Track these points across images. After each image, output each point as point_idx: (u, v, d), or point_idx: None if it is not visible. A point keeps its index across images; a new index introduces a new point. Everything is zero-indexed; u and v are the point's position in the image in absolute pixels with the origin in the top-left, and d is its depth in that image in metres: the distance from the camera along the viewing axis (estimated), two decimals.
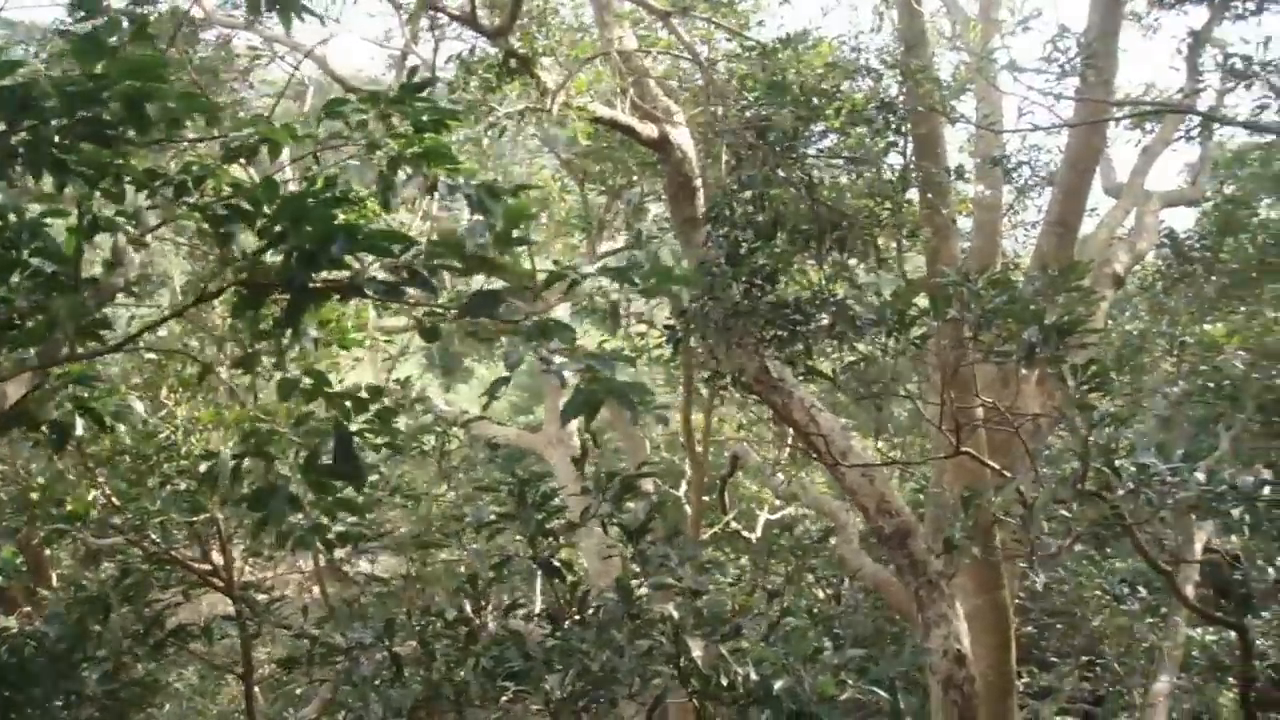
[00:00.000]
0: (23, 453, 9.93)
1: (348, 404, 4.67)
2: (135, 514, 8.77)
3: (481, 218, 4.03)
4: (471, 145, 14.84)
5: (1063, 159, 13.29)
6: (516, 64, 9.21)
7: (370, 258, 4.22)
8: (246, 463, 5.37)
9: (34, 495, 8.69)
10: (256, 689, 14.46)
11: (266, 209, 4.02)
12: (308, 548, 5.69)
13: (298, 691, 14.32)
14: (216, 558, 9.38)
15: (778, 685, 6.53)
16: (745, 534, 16.71)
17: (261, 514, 5.00)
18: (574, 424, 15.96)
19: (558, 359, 3.77)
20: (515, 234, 4.02)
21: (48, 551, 16.73)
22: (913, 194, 10.96)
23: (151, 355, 8.79)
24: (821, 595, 16.81)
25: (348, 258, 4.08)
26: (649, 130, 9.78)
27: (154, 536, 8.88)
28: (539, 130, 15.29)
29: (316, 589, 13.36)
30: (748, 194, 8.94)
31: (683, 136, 9.99)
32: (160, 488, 8.75)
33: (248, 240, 4.19)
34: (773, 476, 16.60)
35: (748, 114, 9.31)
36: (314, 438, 4.76)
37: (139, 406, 7.23)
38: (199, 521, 8.77)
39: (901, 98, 10.38)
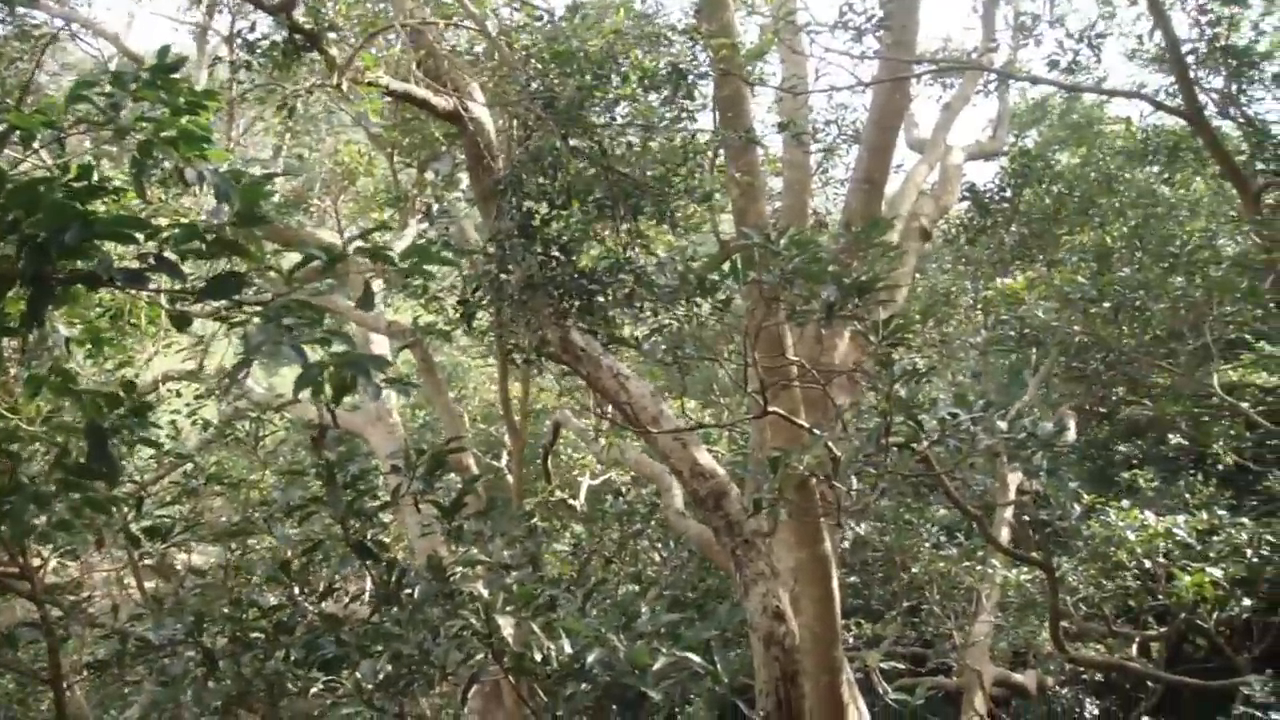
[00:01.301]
0: None
1: (99, 401, 4.49)
2: None
3: (227, 203, 3.90)
4: (279, 123, 14.54)
5: (867, 117, 13.49)
6: (303, 40, 8.97)
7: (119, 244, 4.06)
8: None
9: None
10: (79, 693, 14.05)
11: None
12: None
13: (125, 690, 13.95)
14: (22, 560, 9.04)
15: (590, 658, 6.52)
16: (571, 502, 16.73)
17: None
18: (394, 402, 15.80)
19: (296, 335, 3.65)
20: (254, 214, 3.90)
21: None
22: (723, 159, 11.02)
23: None
24: (656, 559, 16.96)
25: (92, 246, 3.92)
26: (444, 103, 9.64)
27: None
28: (343, 105, 15.02)
29: (132, 584, 12.99)
30: (538, 164, 8.88)
31: (479, 110, 9.87)
32: None
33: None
34: (594, 443, 16.64)
35: (533, 84, 9.22)
36: (64, 435, 4.58)
37: None
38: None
39: (704, 63, 10.40)
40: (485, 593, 6.72)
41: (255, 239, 3.90)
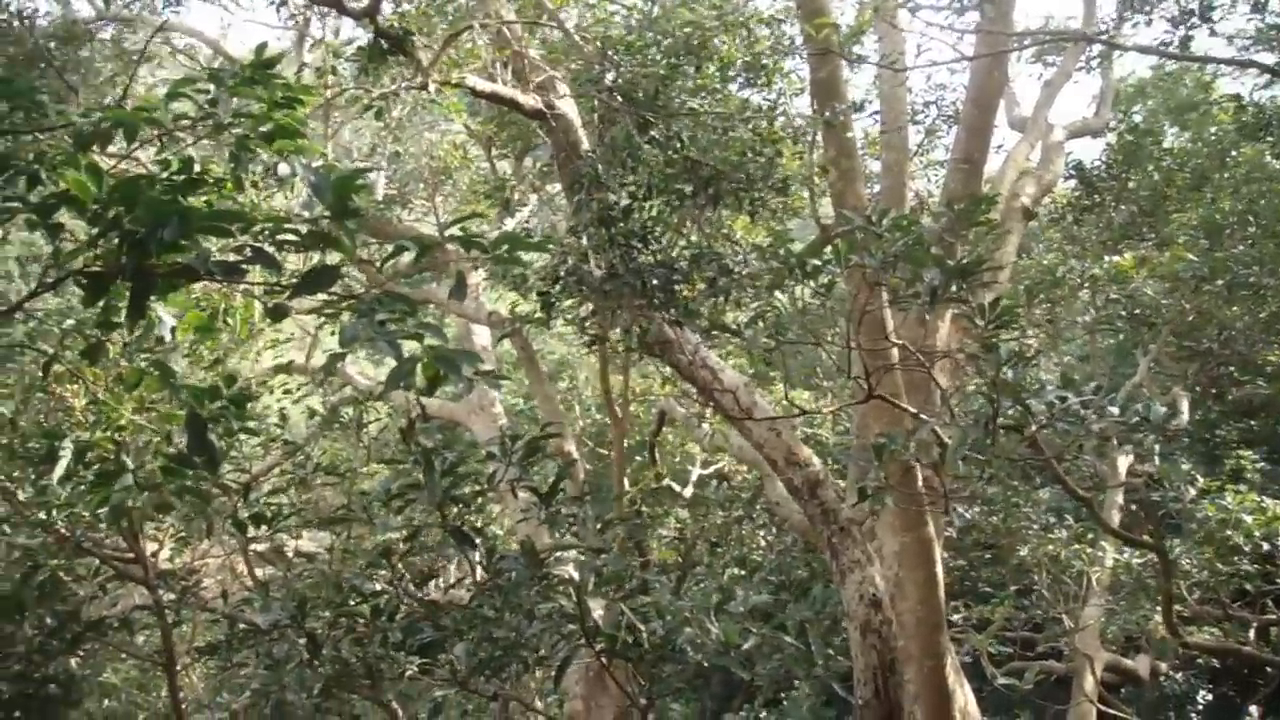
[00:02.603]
0: None
1: (199, 393, 4.62)
2: (42, 509, 8.69)
3: (321, 197, 4.00)
4: (374, 120, 14.77)
5: (966, 96, 13.33)
6: (388, 44, 9.10)
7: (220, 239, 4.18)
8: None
9: None
10: (196, 677, 14.42)
11: (96, 195, 3.95)
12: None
13: (241, 673, 14.28)
14: (137, 547, 9.32)
15: (681, 638, 6.58)
16: (677, 489, 16.79)
17: (103, 495, 4.98)
18: (495, 392, 15.95)
19: (389, 329, 3.73)
20: (347, 207, 3.98)
21: None
22: (816, 140, 10.97)
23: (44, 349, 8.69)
24: (761, 544, 16.93)
25: (192, 239, 4.04)
26: (530, 101, 9.71)
27: (63, 530, 8.80)
28: (441, 101, 15.18)
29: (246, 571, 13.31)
30: (617, 156, 8.91)
31: (566, 105, 9.94)
32: (64, 481, 8.66)
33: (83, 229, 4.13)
34: (699, 429, 16.67)
35: (611, 76, 9.26)
36: (166, 424, 4.74)
37: (6, 407, 7.17)
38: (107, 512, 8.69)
39: (794, 44, 10.37)
40: (576, 576, 6.80)
41: (349, 232, 3.99)
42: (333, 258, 4.22)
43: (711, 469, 18.17)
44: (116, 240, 3.95)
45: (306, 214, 3.97)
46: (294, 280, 4.07)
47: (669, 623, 6.68)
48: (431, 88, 8.76)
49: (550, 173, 14.83)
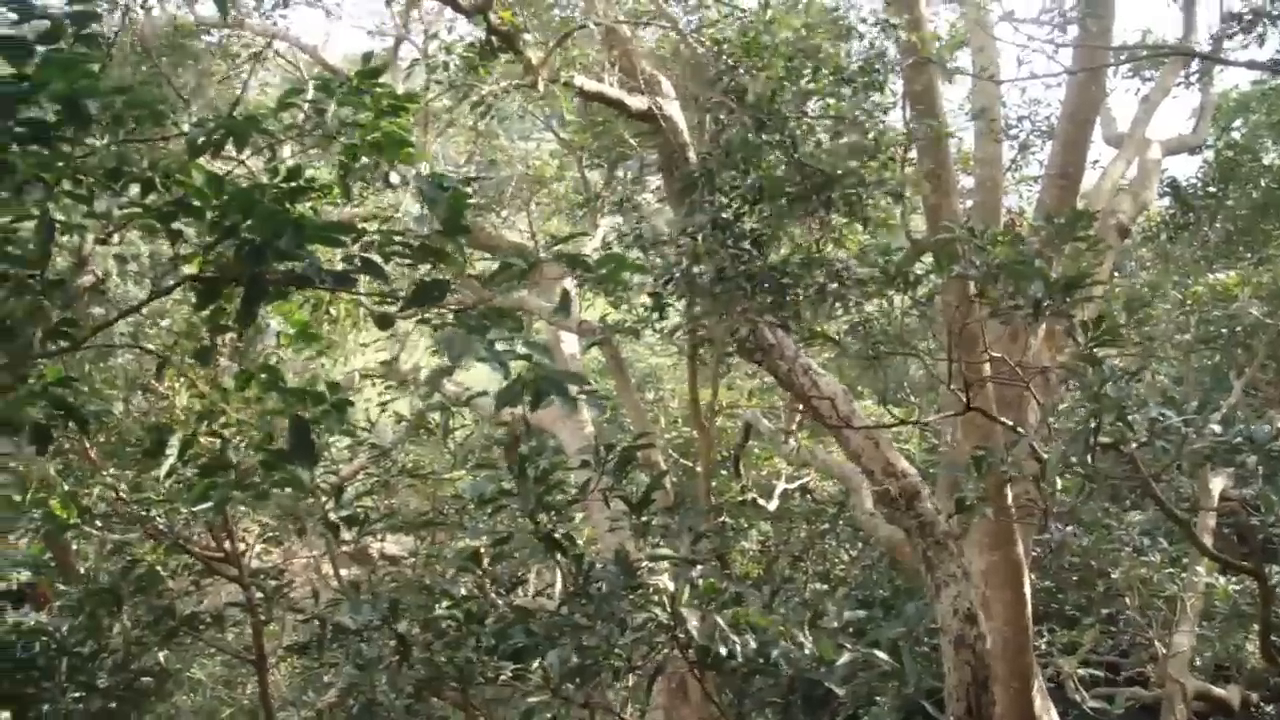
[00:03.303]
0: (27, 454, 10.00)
1: (303, 395, 4.70)
2: (141, 504, 8.84)
3: (427, 207, 4.04)
4: (469, 128, 14.88)
5: (1062, 111, 13.19)
6: (499, 42, 9.17)
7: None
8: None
9: (17, 496, 8.76)
10: (281, 675, 14.60)
11: (215, 203, 4.02)
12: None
13: (325, 677, 14.43)
14: (229, 545, 9.45)
15: (775, 652, 6.54)
16: (761, 502, 16.71)
17: (207, 486, 5.09)
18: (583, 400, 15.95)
19: (498, 348, 3.76)
20: (458, 223, 4.02)
21: (75, 547, 16.90)
22: (914, 154, 10.90)
23: (139, 349, 8.85)
24: (844, 559, 16.84)
25: (303, 248, 4.10)
26: (637, 103, 9.74)
27: (161, 526, 8.94)
28: (538, 108, 15.29)
29: (331, 572, 13.45)
30: (730, 159, 8.91)
31: (672, 107, 9.96)
32: (165, 478, 8.81)
33: (202, 235, 4.21)
34: (785, 443, 16.60)
35: (724, 79, 9.25)
36: (269, 422, 4.83)
37: (121, 405, 7.32)
38: (208, 510, 8.82)
39: (894, 53, 10.32)
40: (671, 586, 6.79)
41: (459, 246, 4.03)
42: (442, 271, 4.27)
43: (795, 484, 18.08)
44: (233, 247, 4.02)
45: (418, 226, 4.01)
46: (402, 291, 4.12)
47: (761, 636, 6.66)
48: (540, 86, 8.82)
49: (640, 182, 14.87)
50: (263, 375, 4.62)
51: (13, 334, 4.69)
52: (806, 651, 6.65)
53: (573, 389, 3.73)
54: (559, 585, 10.14)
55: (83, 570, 16.91)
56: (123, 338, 7.61)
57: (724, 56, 9.37)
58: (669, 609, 6.68)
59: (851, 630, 7.00)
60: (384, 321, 4.23)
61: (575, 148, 15.55)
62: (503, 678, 7.35)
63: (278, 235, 3.90)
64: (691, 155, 10.04)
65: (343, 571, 13.43)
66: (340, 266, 4.21)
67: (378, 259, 4.16)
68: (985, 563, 11.19)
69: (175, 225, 4.08)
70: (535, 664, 7.10)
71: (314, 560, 14.18)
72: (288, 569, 11.63)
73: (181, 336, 6.27)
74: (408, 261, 4.23)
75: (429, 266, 4.29)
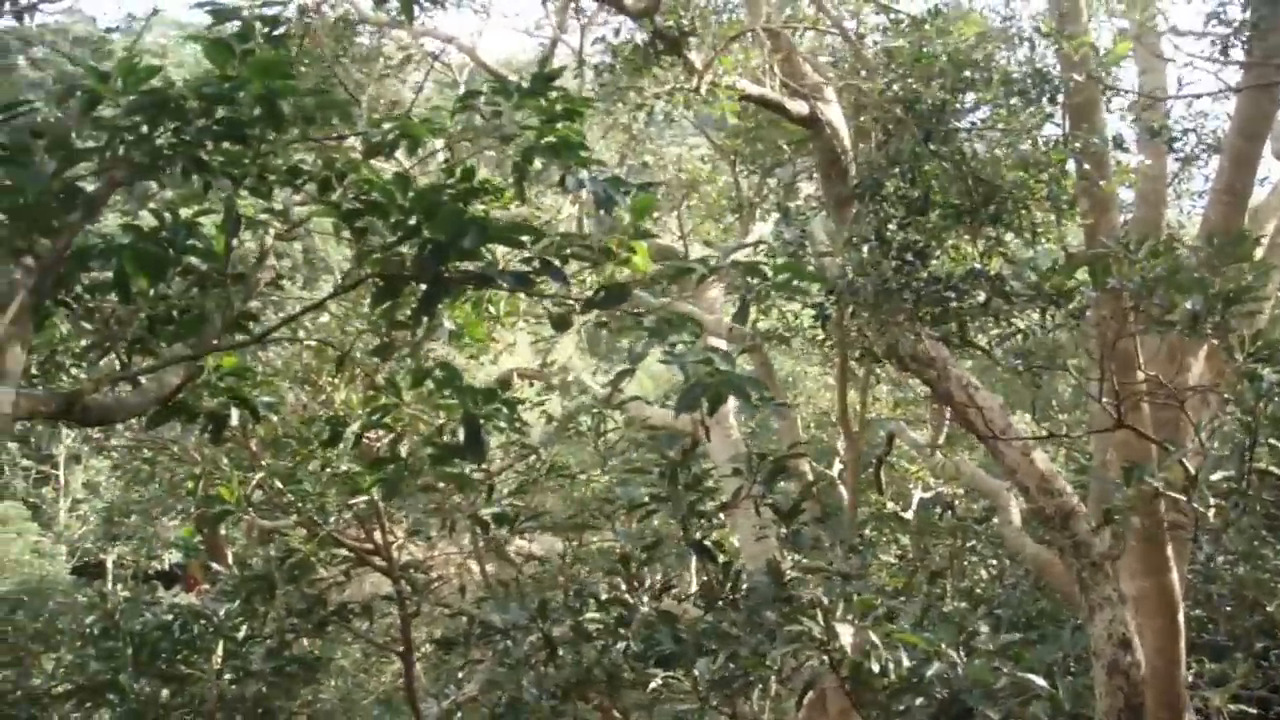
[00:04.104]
0: (190, 440, 10.31)
1: (476, 394, 4.75)
2: (297, 496, 9.02)
3: (608, 211, 4.05)
4: (622, 132, 14.91)
5: (1230, 125, 12.78)
6: (663, 45, 9.18)
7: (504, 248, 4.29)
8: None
9: (189, 482, 8.98)
10: (418, 667, 14.79)
11: (400, 203, 4.08)
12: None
13: (459, 673, 14.60)
14: (379, 538, 9.59)
15: (930, 671, 6.44)
16: (902, 514, 16.50)
17: (380, 476, 5.18)
18: (730, 407, 15.94)
19: (679, 352, 3.76)
20: (641, 228, 4.03)
21: (224, 532, 17.35)
22: (1071, 165, 10.65)
23: (311, 344, 9.04)
24: (984, 575, 16.54)
25: (482, 248, 4.14)
26: (798, 108, 9.68)
27: (315, 517, 9.11)
28: (692, 112, 15.27)
29: (476, 568, 13.57)
30: (896, 169, 8.80)
31: (833, 113, 9.87)
32: (321, 470, 8.98)
33: (385, 234, 4.28)
34: (930, 455, 16.35)
35: (895, 88, 9.14)
36: (440, 418, 4.91)
37: (290, 396, 7.48)
38: (360, 503, 8.97)
39: (1056, 66, 10.10)
40: (825, 599, 6.72)
41: (642, 251, 4.03)
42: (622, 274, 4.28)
43: (931, 494, 17.81)
44: (416, 246, 4.08)
45: (598, 229, 4.03)
46: (582, 293, 4.14)
47: (914, 654, 6.56)
48: (703, 90, 8.81)
49: (792, 189, 14.78)
50: (439, 372, 4.67)
51: (201, 324, 4.81)
52: (960, 672, 6.53)
53: (755, 396, 3.71)
54: (692, 589, 10.12)
55: (230, 556, 17.36)
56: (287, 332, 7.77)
57: (892, 64, 9.26)
58: (822, 622, 6.61)
59: (1005, 652, 6.85)
60: (561, 323, 4.26)
61: (728, 152, 15.51)
62: (652, 684, 7.32)
63: (460, 235, 3.94)
64: (850, 162, 9.95)
65: (486, 569, 13.55)
66: (516, 267, 4.25)
67: (554, 261, 4.19)
68: (1137, 588, 10.87)
69: (360, 224, 4.15)
70: (683, 671, 7.09)
71: (448, 556, 14.31)
72: (434, 564, 11.78)
73: (360, 333, 6.40)
74: (589, 266, 4.24)
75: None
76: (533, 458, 12.32)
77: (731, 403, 16.18)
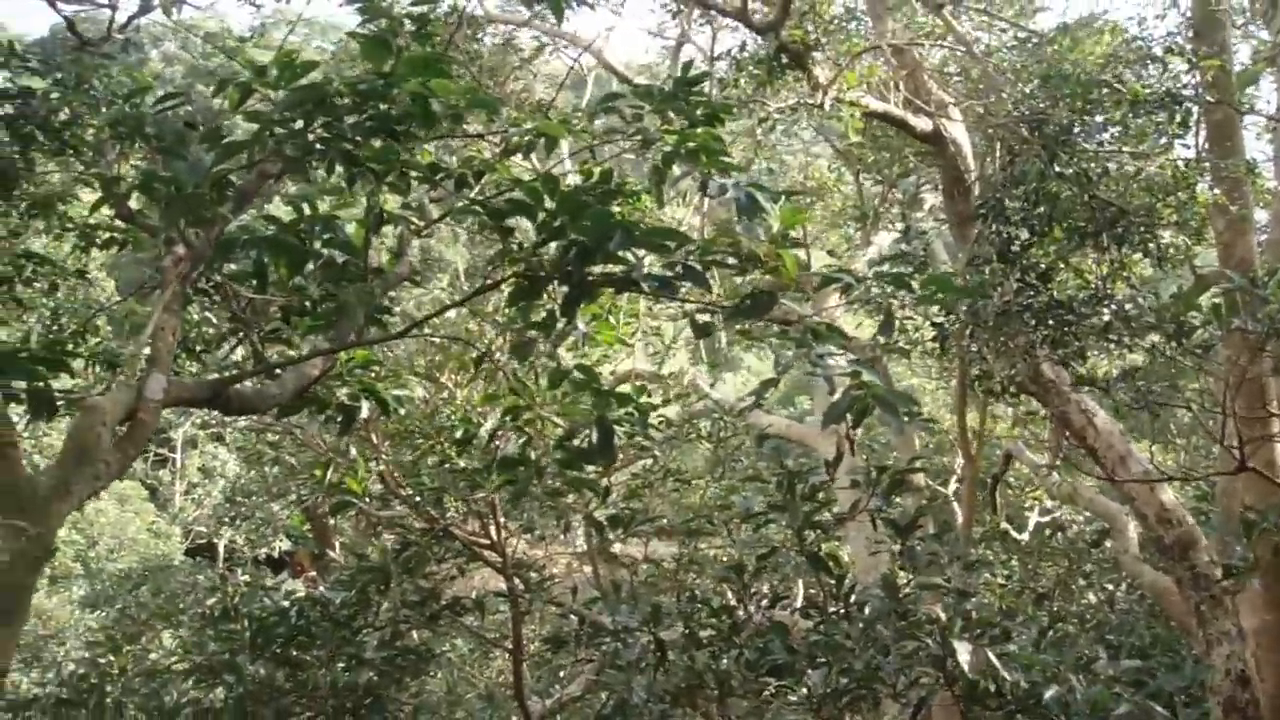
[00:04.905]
0: (313, 428, 10.49)
1: (611, 397, 4.78)
2: (415, 489, 9.13)
3: (750, 219, 4.05)
4: (745, 137, 14.90)
5: None
6: (788, 59, 9.17)
7: (644, 252, 4.30)
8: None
9: (317, 471, 9.12)
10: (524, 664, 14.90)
11: (547, 203, 4.12)
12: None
13: (561, 671, 14.67)
14: (492, 534, 9.67)
15: (1048, 694, 6.35)
16: (1015, 535, 16.27)
17: (509, 477, 5.24)
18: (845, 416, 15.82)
19: (827, 363, 3.75)
20: (789, 235, 4.02)
21: (331, 521, 17.63)
22: (1203, 187, 10.44)
23: (434, 340, 9.16)
24: (1092, 600, 16.24)
25: (622, 252, 4.17)
26: (923, 124, 9.62)
27: (432, 511, 9.21)
28: (814, 121, 15.22)
29: (587, 569, 13.63)
30: (1021, 189, 8.69)
31: (958, 130, 9.79)
32: (440, 465, 9.08)
33: (527, 233, 4.33)
34: (1047, 477, 16.09)
35: (1023, 106, 9.03)
36: (572, 420, 4.94)
37: (419, 391, 7.59)
38: (476, 499, 9.06)
39: (1192, 86, 9.91)
40: (943, 616, 6.66)
41: (789, 259, 4.03)
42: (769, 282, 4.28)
43: (1048, 517, 17.54)
44: (561, 247, 4.12)
45: (748, 237, 4.03)
46: (725, 301, 4.15)
47: (1032, 675, 6.47)
48: (827, 104, 8.79)
49: (915, 201, 14.66)
50: (577, 374, 4.71)
51: (338, 317, 4.90)
52: (1079, 697, 6.42)
53: (903, 410, 3.69)
54: (799, 600, 10.08)
55: (338, 545, 17.62)
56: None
57: (1019, 83, 9.16)
58: (939, 639, 6.54)
59: (1125, 679, 6.73)
60: (703, 329, 4.27)
61: (853, 162, 15.44)
62: (765, 693, 7.30)
63: (606, 238, 3.98)
64: (974, 180, 9.85)
65: (587, 570, 13.61)
66: (657, 271, 4.27)
67: (697, 267, 4.20)
68: (1258, 621, 10.59)
69: (506, 222, 4.20)
70: (797, 682, 7.06)
71: (569, 556, 14.41)
72: (547, 563, 11.86)
73: (502, 331, 6.50)
74: (735, 273, 4.25)
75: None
76: (648, 461, 12.35)
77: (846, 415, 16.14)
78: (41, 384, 4.57)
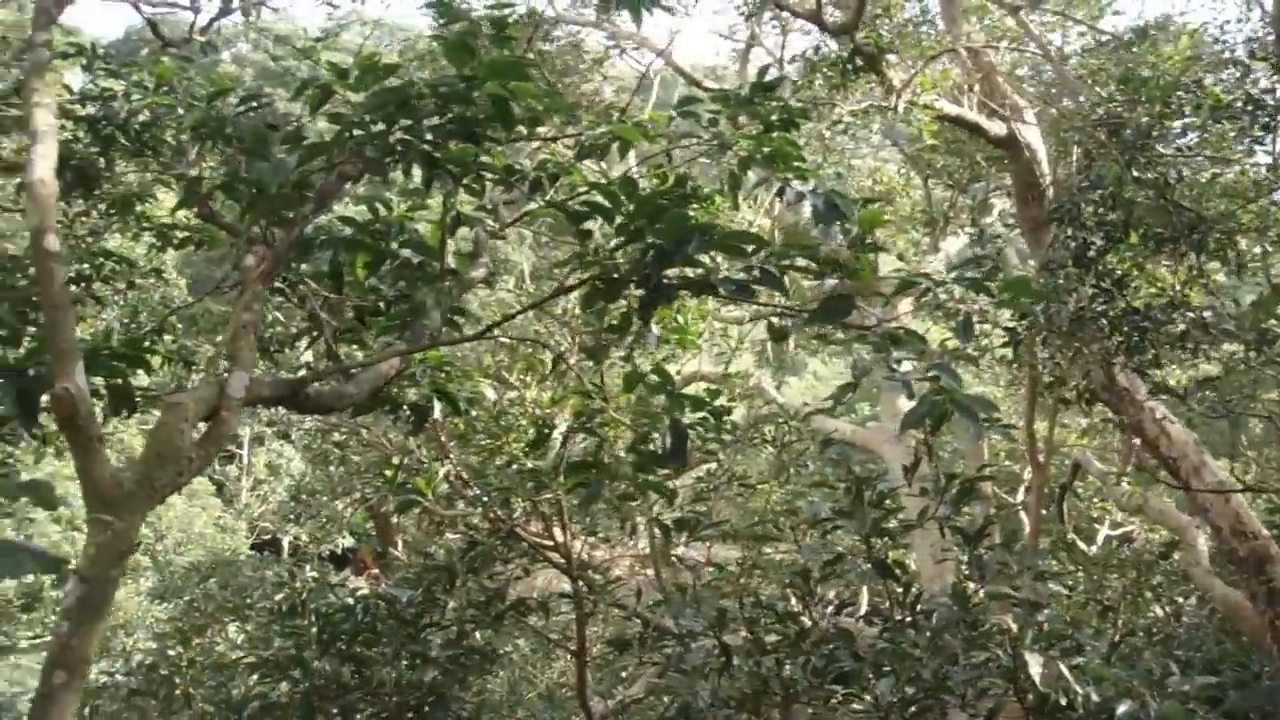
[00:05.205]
0: (382, 426, 10.56)
1: (685, 401, 4.78)
2: (482, 489, 9.16)
3: (827, 224, 4.03)
4: (813, 140, 14.84)
5: None
6: (862, 61, 9.12)
7: (720, 256, 4.29)
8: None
9: (388, 471, 9.17)
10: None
11: (625, 207, 4.12)
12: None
13: (623, 672, 14.66)
14: (557, 535, 9.68)
15: (1121, 709, 6.25)
16: (1082, 546, 16.10)
17: (581, 479, 5.25)
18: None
19: (905, 368, 3.72)
20: (867, 241, 4.00)
21: (394, 519, 17.74)
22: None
23: (504, 341, 9.19)
24: (1159, 613, 16.02)
25: (698, 255, 4.16)
26: (996, 128, 9.53)
27: (499, 511, 9.24)
28: (883, 124, 15.12)
29: (648, 572, 13.62)
30: (1097, 194, 8.58)
31: (1032, 135, 9.70)
32: (507, 465, 9.11)
33: (604, 236, 4.33)
34: (1116, 487, 15.89)
35: (1100, 110, 8.91)
36: (645, 423, 4.94)
37: (490, 392, 7.62)
38: (543, 500, 9.07)
39: (1273, 91, 9.75)
40: (1014, 627, 6.57)
41: (868, 263, 4.00)
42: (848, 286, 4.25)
43: (1119, 530, 17.35)
44: (638, 250, 4.12)
45: (828, 241, 4.01)
46: (800, 305, 4.14)
47: (1104, 689, 6.37)
48: (900, 107, 8.73)
49: (985, 206, 14.53)
50: (653, 377, 4.71)
51: (412, 317, 4.93)
52: (1152, 713, 6.32)
53: (983, 416, 3.65)
54: (862, 608, 10.00)
55: (400, 542, 17.72)
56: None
57: (1098, 86, 9.05)
58: (1010, 650, 6.46)
59: (1200, 696, 6.61)
60: (780, 333, 4.25)
61: (922, 166, 15.34)
62: (831, 700, 7.25)
63: (685, 241, 3.97)
64: (1048, 185, 9.75)
65: (648, 573, 13.59)
66: (729, 275, 4.25)
67: (774, 270, 4.18)
68: None
69: (584, 225, 4.21)
70: (863, 689, 7.00)
71: (632, 559, 14.41)
72: (611, 565, 11.86)
73: (575, 332, 6.52)
74: (812, 278, 4.24)
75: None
76: (713, 465, 12.32)
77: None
78: (121, 380, 4.64)
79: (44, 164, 4.06)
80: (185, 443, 3.74)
